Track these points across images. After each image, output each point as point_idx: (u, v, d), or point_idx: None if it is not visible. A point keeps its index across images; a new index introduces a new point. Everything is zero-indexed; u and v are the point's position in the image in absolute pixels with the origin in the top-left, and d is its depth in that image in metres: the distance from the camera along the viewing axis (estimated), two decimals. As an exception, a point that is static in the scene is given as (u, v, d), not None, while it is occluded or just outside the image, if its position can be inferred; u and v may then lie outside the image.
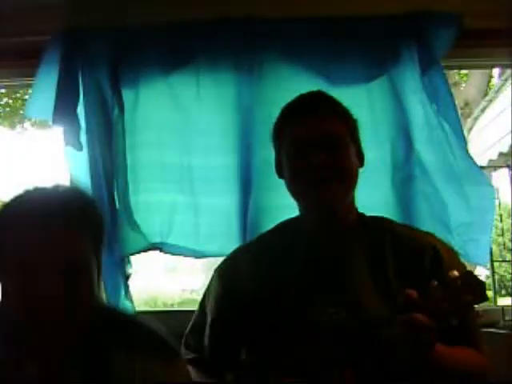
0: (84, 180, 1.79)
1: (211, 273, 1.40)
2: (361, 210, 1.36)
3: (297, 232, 1.33)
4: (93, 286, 0.98)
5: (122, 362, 0.98)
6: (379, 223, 1.34)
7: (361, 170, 1.33)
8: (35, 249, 0.93)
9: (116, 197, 1.80)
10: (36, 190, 1.00)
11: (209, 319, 1.33)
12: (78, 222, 0.97)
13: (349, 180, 1.28)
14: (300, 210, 1.35)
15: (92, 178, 1.79)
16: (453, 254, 1.30)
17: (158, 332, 1.05)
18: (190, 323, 1.39)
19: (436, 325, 1.02)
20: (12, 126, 8.11)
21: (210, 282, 1.38)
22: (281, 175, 1.36)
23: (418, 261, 1.23)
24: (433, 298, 1.04)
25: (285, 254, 1.29)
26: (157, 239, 1.82)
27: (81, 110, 1.82)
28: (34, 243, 0.94)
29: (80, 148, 1.79)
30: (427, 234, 1.36)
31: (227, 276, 1.35)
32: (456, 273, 1.06)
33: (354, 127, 1.33)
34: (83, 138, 1.80)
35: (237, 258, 1.39)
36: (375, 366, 1.07)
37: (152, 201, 1.85)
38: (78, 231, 0.97)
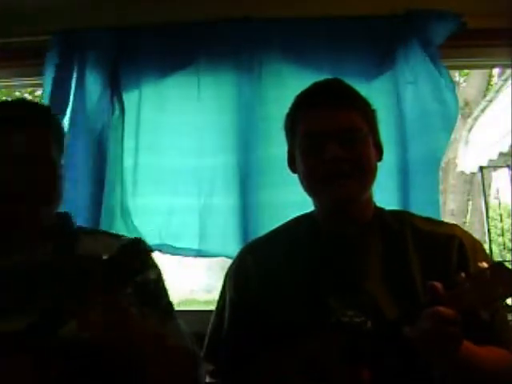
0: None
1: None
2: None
3: (310, 229, 1.26)
4: (54, 175, 1.18)
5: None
6: (399, 217, 1.26)
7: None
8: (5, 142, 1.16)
9: (108, 201, 1.81)
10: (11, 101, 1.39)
11: (226, 325, 1.26)
12: (45, 123, 1.21)
13: (367, 176, 1.20)
14: (314, 206, 1.28)
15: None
16: (479, 246, 1.20)
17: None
18: (208, 333, 1.29)
19: (463, 319, 0.94)
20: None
21: (223, 287, 1.31)
22: (294, 170, 1.28)
23: (443, 254, 1.15)
24: (460, 291, 0.96)
25: (298, 253, 1.23)
26: (156, 241, 1.82)
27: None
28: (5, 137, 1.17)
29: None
30: (451, 225, 1.25)
31: (239, 278, 1.27)
32: (485, 264, 0.97)
33: (373, 118, 1.26)
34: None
35: (247, 258, 1.29)
36: (396, 365, 1.02)
37: (151, 202, 1.84)
38: (44, 130, 1.20)
